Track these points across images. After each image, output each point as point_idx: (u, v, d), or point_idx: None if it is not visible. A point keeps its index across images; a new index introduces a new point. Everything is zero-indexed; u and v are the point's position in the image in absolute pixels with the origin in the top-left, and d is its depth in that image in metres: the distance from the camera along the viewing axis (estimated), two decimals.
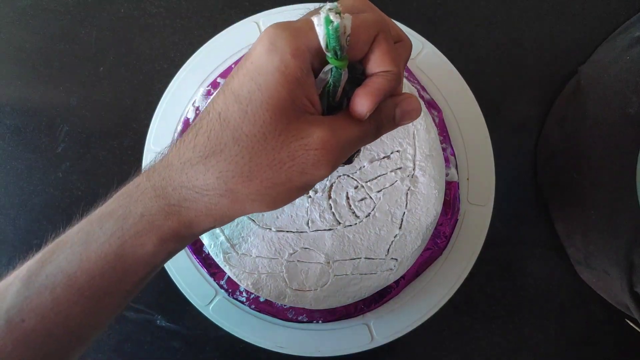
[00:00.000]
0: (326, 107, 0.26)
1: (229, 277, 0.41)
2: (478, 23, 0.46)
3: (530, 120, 0.46)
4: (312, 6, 0.43)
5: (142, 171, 0.27)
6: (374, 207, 0.38)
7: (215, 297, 0.43)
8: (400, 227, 0.38)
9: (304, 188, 0.25)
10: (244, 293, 0.42)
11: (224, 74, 0.42)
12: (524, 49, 0.46)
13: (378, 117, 0.26)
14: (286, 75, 0.22)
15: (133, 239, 0.26)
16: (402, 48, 0.27)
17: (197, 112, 0.42)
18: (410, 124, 0.38)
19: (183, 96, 0.43)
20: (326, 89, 0.25)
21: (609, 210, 0.40)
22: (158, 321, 0.45)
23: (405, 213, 0.38)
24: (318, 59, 0.24)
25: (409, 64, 0.42)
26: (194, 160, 0.25)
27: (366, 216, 0.38)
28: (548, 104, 0.46)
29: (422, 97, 0.41)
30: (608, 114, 0.41)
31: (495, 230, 0.43)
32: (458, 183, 0.42)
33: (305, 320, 0.42)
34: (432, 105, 0.42)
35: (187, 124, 0.42)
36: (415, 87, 0.41)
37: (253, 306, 0.42)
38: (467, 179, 0.43)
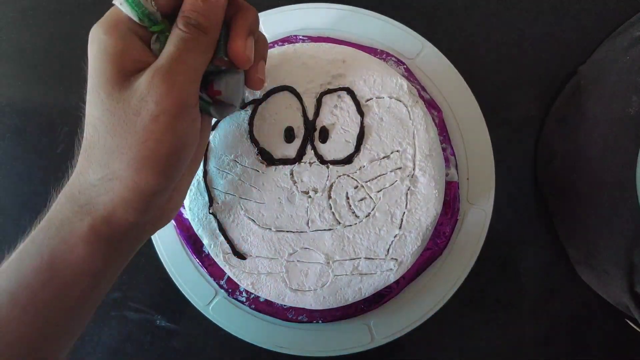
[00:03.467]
0: None
1: (229, 277, 0.41)
2: (478, 23, 0.46)
3: (530, 120, 0.46)
4: (312, 6, 0.43)
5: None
6: (374, 207, 0.38)
7: (215, 297, 0.43)
8: (400, 227, 0.38)
9: (170, 132, 0.25)
10: (243, 293, 0.42)
11: None
12: (524, 49, 0.46)
13: (183, 17, 0.26)
14: (105, 54, 0.25)
15: (60, 245, 0.26)
16: None
17: None
18: (410, 124, 0.38)
19: None
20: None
21: (609, 210, 0.40)
22: (158, 321, 0.45)
23: (405, 213, 0.38)
24: (137, 30, 0.26)
25: (409, 64, 0.42)
26: (81, 161, 0.27)
27: (366, 216, 0.38)
28: (548, 104, 0.46)
29: (421, 96, 0.41)
30: (608, 114, 0.41)
31: (495, 230, 0.43)
32: (458, 183, 0.42)
33: (305, 320, 0.42)
34: (432, 105, 0.42)
35: None
36: (416, 87, 0.41)
37: (253, 306, 0.42)
38: (467, 179, 0.43)
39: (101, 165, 0.26)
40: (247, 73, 0.31)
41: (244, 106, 0.38)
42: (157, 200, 0.27)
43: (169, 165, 0.26)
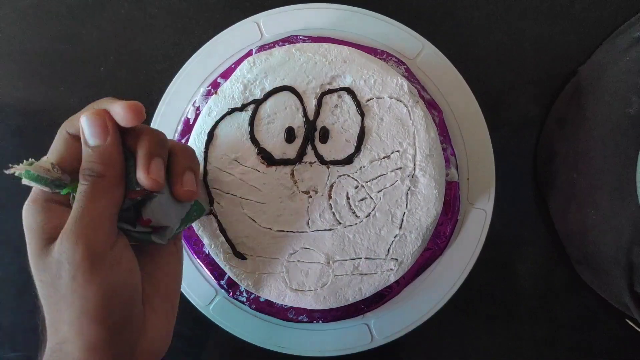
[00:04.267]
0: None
1: (229, 277, 0.41)
2: (478, 23, 0.46)
3: (530, 120, 0.46)
4: (312, 6, 0.43)
5: None
6: (374, 207, 0.38)
7: (215, 297, 0.43)
8: (400, 227, 0.38)
9: (91, 283, 0.26)
10: (244, 293, 0.42)
11: (225, 74, 0.42)
12: (524, 49, 0.46)
13: (81, 172, 0.27)
14: (28, 228, 0.27)
15: None
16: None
17: (198, 112, 0.42)
18: (411, 124, 0.38)
19: (183, 96, 0.43)
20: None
21: (609, 210, 0.40)
22: None
23: (406, 213, 0.38)
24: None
25: (409, 64, 0.42)
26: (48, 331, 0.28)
27: (366, 216, 0.38)
28: (548, 104, 0.46)
29: (422, 97, 0.41)
30: (608, 114, 0.41)
31: (495, 230, 0.43)
32: (458, 183, 0.42)
33: (305, 320, 0.42)
34: (432, 105, 0.42)
35: (187, 124, 0.42)
36: (416, 87, 0.41)
37: (253, 306, 0.42)
38: (467, 179, 0.43)
39: (52, 332, 0.27)
40: (173, 189, 0.30)
41: (206, 211, 0.37)
42: (119, 345, 0.27)
43: (110, 312, 0.26)
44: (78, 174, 0.27)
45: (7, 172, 0.26)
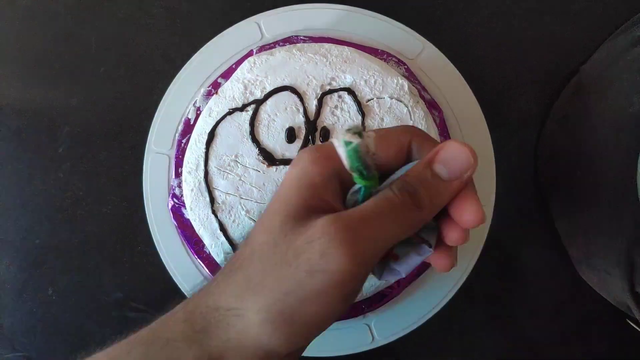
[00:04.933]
0: None
1: None
2: (478, 23, 0.46)
3: (530, 120, 0.46)
4: (313, 7, 0.43)
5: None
6: None
7: None
8: None
9: (325, 295, 0.21)
10: None
11: (225, 75, 0.42)
12: (525, 48, 0.46)
13: (404, 184, 0.23)
14: (301, 180, 0.23)
15: None
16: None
17: (198, 112, 0.42)
18: (411, 124, 0.38)
19: (184, 97, 0.43)
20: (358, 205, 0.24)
21: (610, 210, 0.40)
22: None
23: None
24: (342, 174, 0.23)
25: (410, 65, 0.42)
26: (220, 278, 0.24)
27: None
28: (549, 104, 0.46)
29: (422, 97, 0.41)
30: (609, 114, 0.41)
31: (495, 230, 0.43)
32: None
33: None
34: (432, 105, 0.42)
35: (187, 124, 0.42)
36: (416, 87, 0.41)
37: None
38: None
39: (235, 294, 0.23)
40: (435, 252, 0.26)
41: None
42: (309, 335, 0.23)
43: (298, 330, 0.22)
44: (381, 175, 0.24)
45: (334, 140, 0.21)
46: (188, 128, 0.42)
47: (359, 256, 0.21)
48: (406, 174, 0.23)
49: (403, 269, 0.27)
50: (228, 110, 0.38)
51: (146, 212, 0.42)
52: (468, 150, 0.23)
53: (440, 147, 0.23)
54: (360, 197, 0.24)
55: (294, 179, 0.23)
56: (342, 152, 0.21)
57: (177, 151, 0.42)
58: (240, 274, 0.23)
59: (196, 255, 0.42)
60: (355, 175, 0.23)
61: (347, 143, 0.21)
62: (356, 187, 0.24)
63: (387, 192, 0.22)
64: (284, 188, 0.23)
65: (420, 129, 0.25)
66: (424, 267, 0.42)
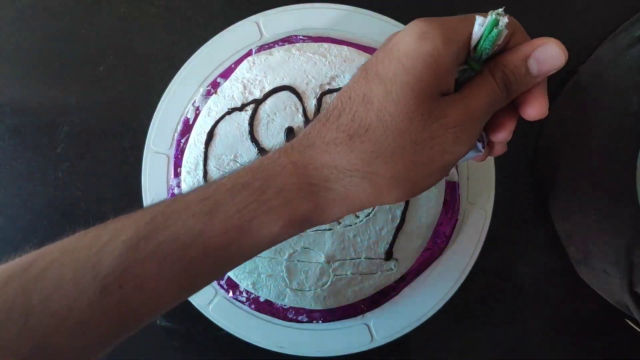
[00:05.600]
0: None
1: (229, 276, 0.41)
2: None
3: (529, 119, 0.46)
4: (312, 6, 0.43)
5: (279, 148, 0.26)
6: (374, 207, 0.38)
7: (215, 297, 0.43)
8: (400, 227, 0.38)
9: (444, 169, 0.25)
10: (244, 293, 0.42)
11: (224, 74, 0.42)
12: None
13: (504, 76, 0.25)
14: (436, 61, 0.23)
15: (264, 216, 0.24)
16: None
17: (197, 112, 0.42)
18: None
19: (183, 96, 0.43)
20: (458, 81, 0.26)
21: (609, 210, 0.40)
22: (158, 321, 0.45)
23: (406, 213, 0.38)
24: (461, 54, 0.25)
25: None
26: (338, 141, 0.24)
27: (366, 216, 0.38)
28: (548, 103, 0.46)
29: None
30: (608, 114, 0.41)
31: (495, 230, 0.43)
32: (458, 183, 0.42)
33: (305, 320, 0.42)
34: None
35: (187, 124, 0.42)
36: None
37: (253, 306, 0.42)
38: (467, 179, 0.43)
39: (362, 158, 0.24)
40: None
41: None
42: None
43: (419, 190, 0.26)
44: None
45: (478, 21, 0.23)
46: (187, 128, 0.42)
47: (473, 139, 0.25)
48: (504, 64, 0.25)
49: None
50: (227, 110, 0.38)
51: None
52: (564, 53, 0.25)
53: (539, 45, 0.25)
54: (461, 77, 0.26)
55: (428, 56, 0.23)
56: (480, 30, 0.23)
57: (176, 151, 0.42)
58: (367, 140, 0.24)
59: None
60: (476, 55, 0.25)
61: (494, 24, 0.23)
62: (461, 67, 0.25)
63: (492, 83, 0.25)
64: (414, 62, 0.23)
65: (517, 22, 0.26)
66: (423, 267, 0.42)
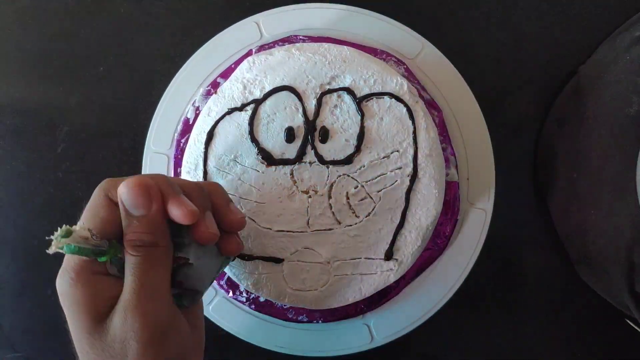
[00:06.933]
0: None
1: (229, 277, 0.41)
2: (478, 23, 0.46)
3: (530, 120, 0.46)
4: (312, 6, 0.43)
5: None
6: (374, 207, 0.38)
7: (215, 297, 0.43)
8: (400, 227, 0.38)
9: (161, 356, 0.25)
10: (244, 293, 0.42)
11: (224, 74, 0.42)
12: (524, 48, 0.46)
13: (129, 242, 0.26)
14: (76, 304, 0.25)
15: None
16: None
17: (197, 112, 0.42)
18: (410, 124, 0.38)
19: (183, 96, 0.43)
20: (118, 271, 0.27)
21: (609, 210, 0.40)
22: None
23: (405, 213, 0.38)
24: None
25: (409, 64, 0.42)
26: None
27: (366, 216, 0.38)
28: (548, 104, 0.46)
29: (422, 97, 0.41)
30: (608, 114, 0.41)
31: (495, 230, 0.43)
32: (458, 183, 0.42)
33: (305, 320, 0.42)
34: (432, 105, 0.42)
35: (186, 124, 0.42)
36: (416, 87, 0.41)
37: (253, 306, 0.42)
38: (467, 179, 0.43)
39: None
40: (194, 231, 0.28)
41: (232, 259, 0.36)
42: None
43: None
44: (113, 238, 0.26)
45: (49, 251, 0.25)
46: (187, 128, 0.42)
47: (155, 316, 0.25)
48: (124, 233, 0.26)
49: (199, 285, 0.30)
50: (227, 110, 0.38)
51: None
52: (124, 187, 0.25)
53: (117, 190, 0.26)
54: (115, 263, 0.26)
55: (71, 309, 0.25)
56: (69, 252, 0.24)
57: (176, 151, 0.42)
58: None
59: None
60: (101, 258, 0.25)
61: (69, 250, 0.24)
62: (107, 261, 0.26)
63: (130, 258, 0.26)
64: (70, 319, 0.26)
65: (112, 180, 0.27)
66: (423, 267, 0.42)
